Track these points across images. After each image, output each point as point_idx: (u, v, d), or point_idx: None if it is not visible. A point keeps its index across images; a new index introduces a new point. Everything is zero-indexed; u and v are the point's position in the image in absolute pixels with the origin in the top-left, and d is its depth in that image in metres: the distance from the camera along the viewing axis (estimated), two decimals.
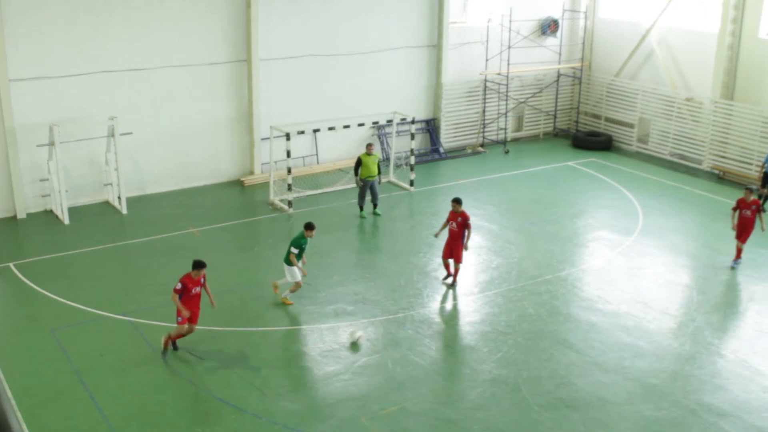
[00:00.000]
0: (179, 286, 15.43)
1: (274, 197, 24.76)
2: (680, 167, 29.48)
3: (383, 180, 25.38)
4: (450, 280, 19.31)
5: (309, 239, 17.98)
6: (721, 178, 28.25)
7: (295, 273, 17.74)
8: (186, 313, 15.47)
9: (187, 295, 15.53)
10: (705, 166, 29.12)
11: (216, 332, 16.77)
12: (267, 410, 14.18)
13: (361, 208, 23.70)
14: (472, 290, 19.23)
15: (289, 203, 24.17)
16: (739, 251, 20.68)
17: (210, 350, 16.11)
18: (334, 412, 14.10)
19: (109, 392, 14.65)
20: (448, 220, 19.12)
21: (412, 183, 26.41)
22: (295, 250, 17.62)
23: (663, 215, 24.39)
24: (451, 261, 19.23)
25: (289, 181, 23.99)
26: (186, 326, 15.64)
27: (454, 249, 19.02)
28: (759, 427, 14.08)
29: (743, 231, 20.50)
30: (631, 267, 20.62)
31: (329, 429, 13.63)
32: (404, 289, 19.00)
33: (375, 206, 23.79)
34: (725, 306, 18.80)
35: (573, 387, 15.14)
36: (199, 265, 15.57)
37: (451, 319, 17.86)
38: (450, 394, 14.89)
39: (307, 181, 26.24)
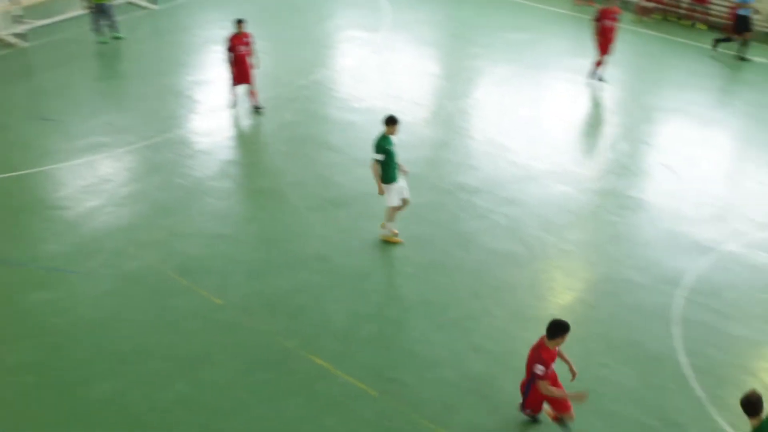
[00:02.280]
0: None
1: (2, 32, 22.80)
2: None
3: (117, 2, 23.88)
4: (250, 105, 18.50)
5: (394, 138, 13.30)
6: None
7: (389, 194, 13.46)
8: None
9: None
10: None
11: None
12: (32, 256, 13.69)
13: (99, 33, 22.32)
14: (225, 105, 18.98)
15: (23, 36, 22.34)
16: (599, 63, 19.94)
17: None
18: (102, 246, 13.86)
19: None
20: (233, 44, 17.80)
21: (154, 1, 25.07)
22: (379, 157, 13.12)
23: (410, 9, 24.77)
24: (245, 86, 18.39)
25: (17, 12, 22.09)
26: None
27: (246, 72, 18.08)
28: (508, 197, 15.32)
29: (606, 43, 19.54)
30: (382, 63, 21.06)
31: (98, 264, 13.41)
32: (158, 113, 18.47)
33: (114, 29, 22.43)
34: (472, 91, 19.76)
35: (337, 187, 15.66)
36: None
37: (208, 136, 17.62)
38: (218, 211, 14.95)
39: (40, 10, 24.21)
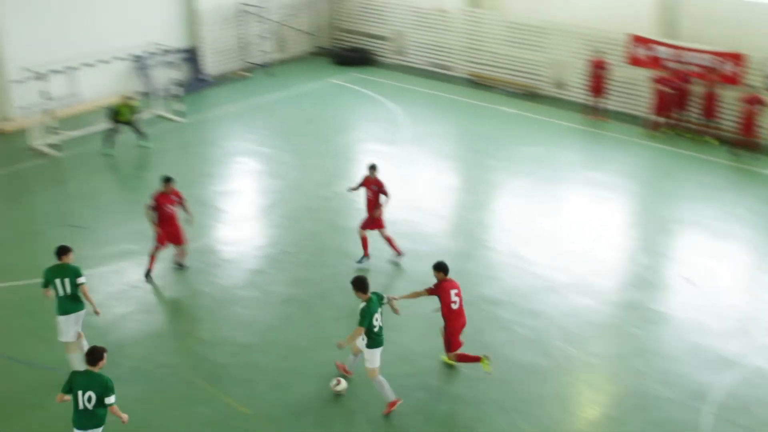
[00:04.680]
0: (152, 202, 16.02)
1: (37, 142, 23.51)
2: (438, 76, 30.73)
3: (147, 116, 24.67)
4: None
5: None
6: (476, 83, 29.76)
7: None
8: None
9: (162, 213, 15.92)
10: (460, 73, 30.53)
11: None
12: (61, 361, 13.83)
13: (108, 145, 23.00)
14: (255, 215, 19.45)
15: (57, 147, 23.01)
16: None
17: None
18: (132, 353, 14.02)
19: None
20: (158, 203, 16.23)
21: (180, 114, 25.88)
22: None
23: (427, 123, 25.51)
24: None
25: (53, 123, 22.83)
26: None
27: (174, 233, 16.59)
28: (530, 309, 15.47)
29: None
30: (402, 175, 21.52)
31: (128, 371, 13.53)
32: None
33: (143, 138, 23.20)
34: (492, 203, 20.18)
35: None
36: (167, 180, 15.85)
37: (234, 245, 17.98)
38: (244, 319, 15.17)
39: (73, 121, 24.97)
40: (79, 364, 12.36)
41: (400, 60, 32.34)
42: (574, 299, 15.87)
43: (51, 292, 13.13)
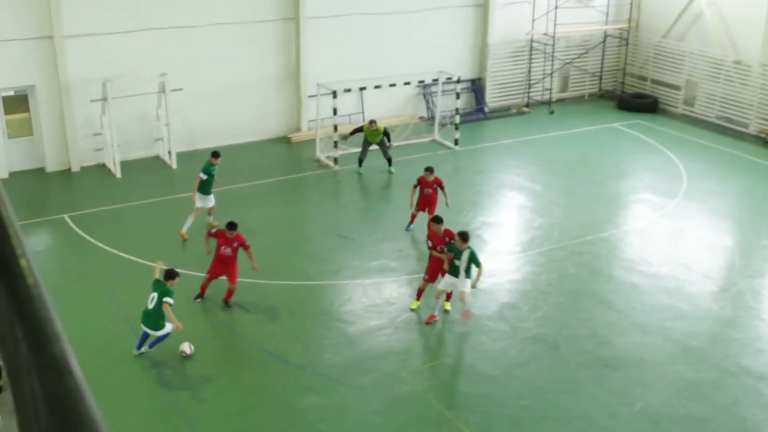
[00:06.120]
0: (213, 230, 16.49)
1: (321, 154, 25.08)
2: (726, 130, 29.20)
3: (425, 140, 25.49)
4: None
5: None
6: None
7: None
8: (206, 249, 16.46)
9: (217, 251, 16.11)
10: (751, 130, 28.81)
11: (261, 285, 17.19)
12: (311, 362, 14.61)
13: (360, 164, 24.09)
14: (514, 249, 19.47)
15: (335, 160, 24.48)
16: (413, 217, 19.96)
17: (255, 303, 16.55)
18: (377, 366, 14.49)
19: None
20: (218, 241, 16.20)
21: (456, 142, 26.54)
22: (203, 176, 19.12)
23: (707, 178, 24.31)
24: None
25: (335, 138, 24.28)
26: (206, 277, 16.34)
27: (225, 269, 16.37)
28: None
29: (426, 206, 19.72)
30: (674, 229, 20.68)
31: (371, 382, 14.02)
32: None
33: (389, 163, 24.12)
34: (767, 271, 18.84)
35: (612, 346, 15.37)
36: (230, 226, 16.01)
37: (492, 277, 18.09)
38: (490, 351, 15.19)
39: (354, 138, 26.44)
40: None
41: (688, 110, 31.08)
42: None
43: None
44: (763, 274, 18.59)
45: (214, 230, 16.51)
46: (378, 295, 17.04)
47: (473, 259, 15.46)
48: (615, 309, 16.72)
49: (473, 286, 15.63)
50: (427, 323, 15.87)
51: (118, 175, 23.47)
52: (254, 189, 22.71)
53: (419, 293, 16.42)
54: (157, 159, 25.08)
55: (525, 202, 22.34)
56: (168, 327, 14.31)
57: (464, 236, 15.50)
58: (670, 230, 20.66)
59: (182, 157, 24.71)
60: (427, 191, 19.51)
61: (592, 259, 18.90)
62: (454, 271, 15.53)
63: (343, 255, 18.80)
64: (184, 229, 19.32)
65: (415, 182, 19.66)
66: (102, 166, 24.28)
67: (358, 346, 15.18)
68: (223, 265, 16.12)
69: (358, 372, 14.35)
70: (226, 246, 15.98)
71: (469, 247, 15.44)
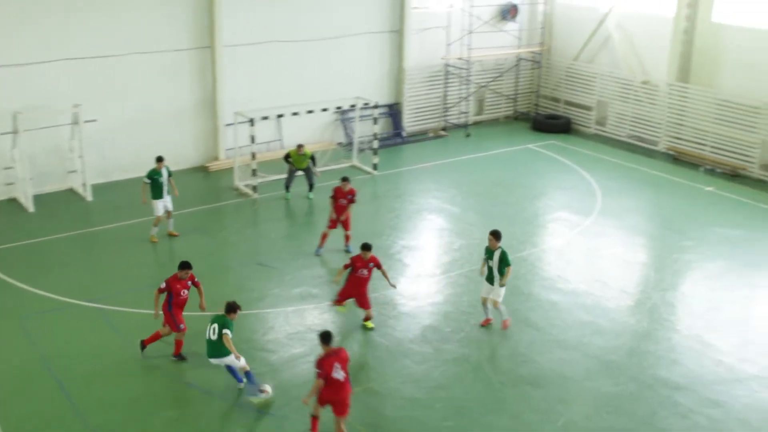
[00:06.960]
0: (163, 285, 15.22)
1: (239, 182, 24.93)
2: (637, 149, 30.04)
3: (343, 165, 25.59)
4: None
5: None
6: (677, 158, 28.85)
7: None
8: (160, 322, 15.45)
9: (176, 299, 15.23)
10: (661, 148, 29.71)
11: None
12: (234, 393, 14.44)
13: (287, 189, 24.26)
14: (435, 271, 19.61)
15: (254, 188, 24.35)
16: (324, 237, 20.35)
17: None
18: (300, 393, 14.31)
19: (77, 379, 14.83)
20: (172, 287, 15.30)
21: (375, 167, 26.69)
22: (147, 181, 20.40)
23: (621, 196, 24.93)
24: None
25: (254, 166, 24.16)
26: (165, 329, 15.48)
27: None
28: (712, 399, 14.62)
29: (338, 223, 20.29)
30: (590, 247, 21.12)
31: (294, 411, 13.89)
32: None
33: (310, 189, 24.26)
34: (680, 284, 19.36)
35: (534, 364, 15.58)
36: (184, 265, 15.31)
37: (414, 300, 18.19)
38: (414, 374, 15.24)
39: (272, 166, 26.33)
40: None
41: (600, 130, 31.88)
42: (761, 393, 14.86)
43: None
44: (676, 287, 19.09)
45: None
46: (300, 323, 16.96)
47: (504, 259, 16.16)
48: (535, 327, 16.97)
49: (501, 284, 16.38)
50: (482, 326, 16.90)
51: (31, 209, 22.91)
52: (173, 219, 22.37)
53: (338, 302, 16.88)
54: (71, 192, 24.56)
55: (444, 225, 22.56)
56: (231, 356, 14.07)
57: (497, 235, 16.28)
58: (586, 248, 21.09)
59: (98, 188, 24.27)
60: (341, 202, 20.01)
61: (511, 279, 18.94)
62: (490, 278, 16.41)
63: (264, 283, 18.67)
64: (153, 233, 21.01)
65: (332, 193, 20.10)
66: (13, 201, 23.67)
67: (281, 375, 15.06)
68: (180, 309, 15.42)
69: (281, 401, 14.22)
70: (185, 289, 15.30)
71: (500, 247, 16.20)
